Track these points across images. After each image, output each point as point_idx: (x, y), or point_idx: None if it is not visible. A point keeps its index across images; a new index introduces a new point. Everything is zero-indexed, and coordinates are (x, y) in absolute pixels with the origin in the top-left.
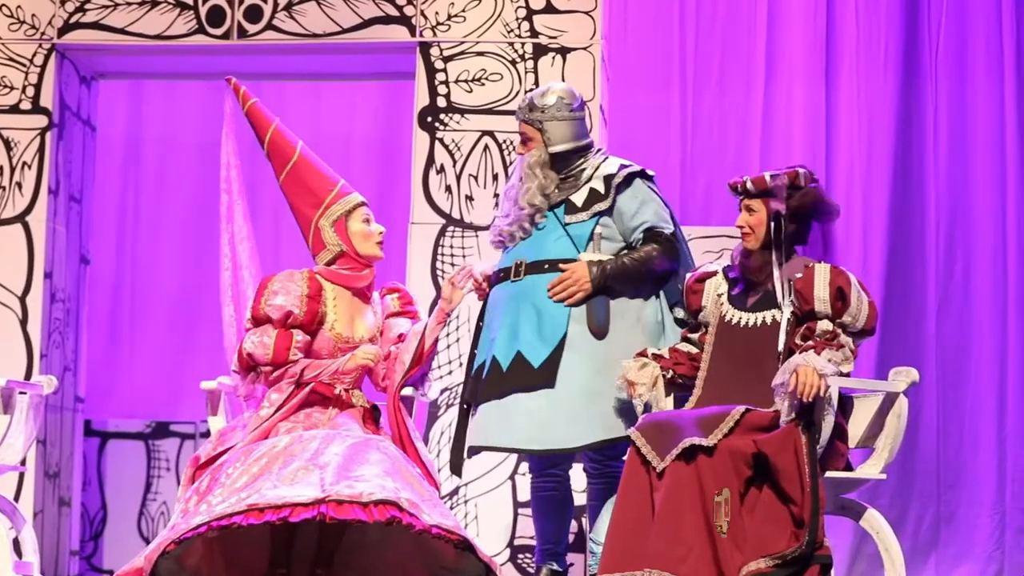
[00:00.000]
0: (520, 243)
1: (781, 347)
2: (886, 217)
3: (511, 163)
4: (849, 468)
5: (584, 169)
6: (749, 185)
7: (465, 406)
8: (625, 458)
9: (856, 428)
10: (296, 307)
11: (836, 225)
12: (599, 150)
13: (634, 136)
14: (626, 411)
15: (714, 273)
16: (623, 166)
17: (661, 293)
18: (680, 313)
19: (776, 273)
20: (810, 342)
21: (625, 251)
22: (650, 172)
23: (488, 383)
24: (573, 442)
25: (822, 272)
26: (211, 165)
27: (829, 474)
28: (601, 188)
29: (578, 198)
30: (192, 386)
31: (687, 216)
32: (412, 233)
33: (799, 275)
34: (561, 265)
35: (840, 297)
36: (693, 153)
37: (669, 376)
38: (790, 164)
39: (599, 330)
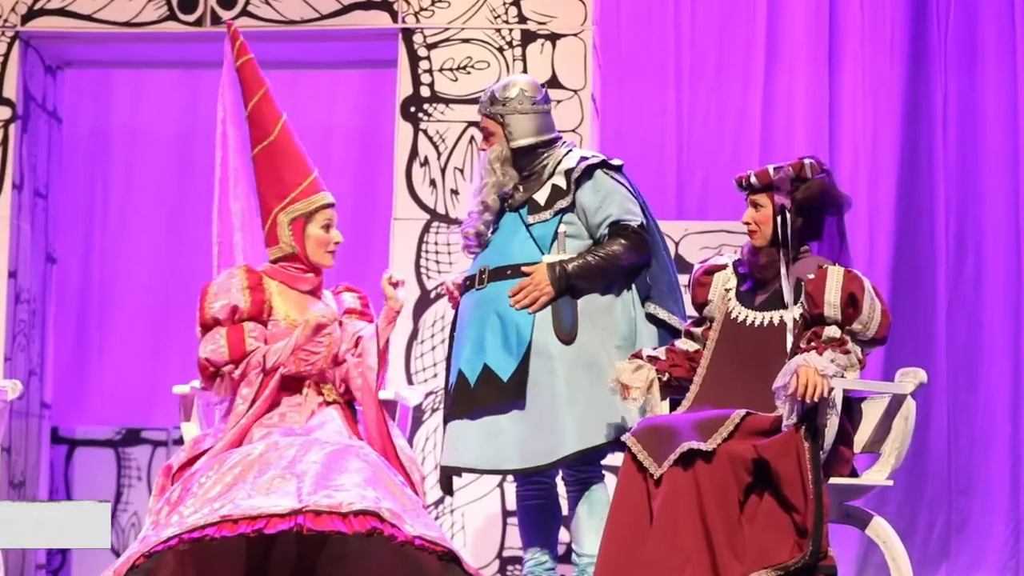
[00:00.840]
0: (486, 247)
1: (790, 349)
2: (893, 212)
3: None
4: (854, 474)
5: (546, 165)
6: (752, 179)
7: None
8: (604, 462)
9: (862, 432)
10: (240, 301)
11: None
12: (564, 143)
13: (628, 127)
14: (601, 416)
15: (724, 266)
16: (582, 158)
17: (632, 287)
18: (651, 308)
19: (783, 271)
20: (813, 344)
21: (591, 248)
22: (615, 161)
23: (456, 399)
24: (550, 457)
25: (835, 275)
26: (185, 158)
27: (833, 480)
28: (563, 184)
29: (540, 196)
30: (164, 391)
31: (684, 210)
32: (395, 229)
33: (811, 276)
34: (524, 268)
35: (852, 303)
36: (690, 145)
37: (665, 379)
38: (794, 156)
39: (566, 334)
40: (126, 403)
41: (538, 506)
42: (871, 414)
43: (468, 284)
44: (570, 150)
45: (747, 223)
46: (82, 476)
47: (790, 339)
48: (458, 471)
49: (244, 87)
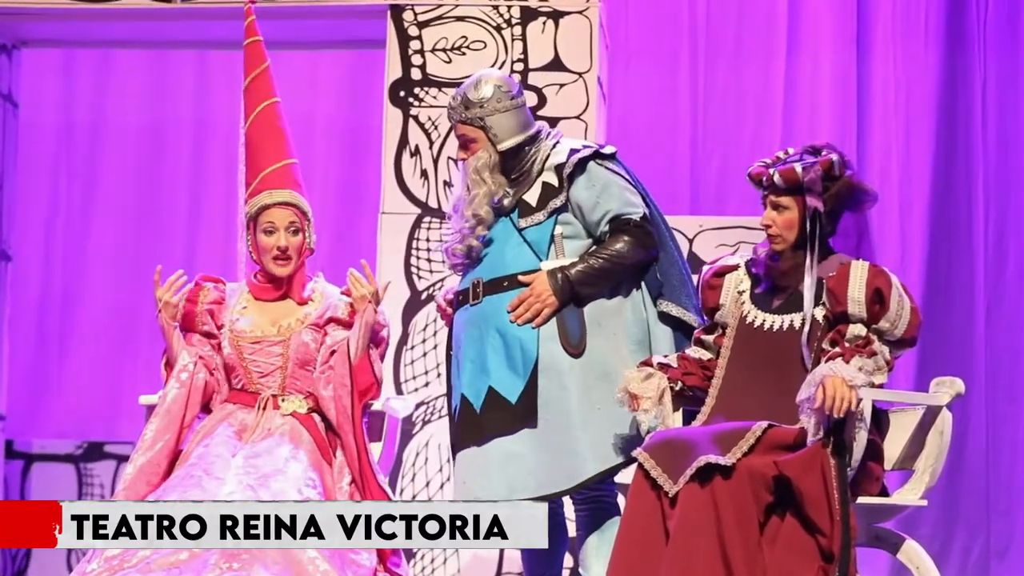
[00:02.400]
0: (480, 260)
1: (805, 345)
2: (927, 206)
3: None
4: (884, 493)
5: (534, 162)
6: (777, 179)
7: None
8: (619, 479)
9: (893, 447)
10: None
11: (871, 213)
12: (548, 134)
13: (637, 114)
14: (620, 432)
15: (735, 267)
16: (573, 151)
17: (642, 285)
18: (664, 306)
19: (808, 280)
20: (837, 348)
21: (592, 249)
22: (608, 150)
23: (463, 427)
24: (570, 481)
25: (859, 270)
26: (155, 147)
27: (862, 500)
28: (554, 181)
29: (531, 197)
30: (130, 401)
31: (698, 205)
32: (382, 224)
33: (832, 273)
34: (522, 278)
35: (878, 299)
36: (705, 133)
37: (677, 388)
38: (813, 144)
39: (575, 346)
40: (88, 414)
41: None
42: (903, 428)
43: (460, 300)
44: (556, 142)
45: (767, 226)
46: (40, 494)
47: (804, 340)
48: None
49: (245, 66)
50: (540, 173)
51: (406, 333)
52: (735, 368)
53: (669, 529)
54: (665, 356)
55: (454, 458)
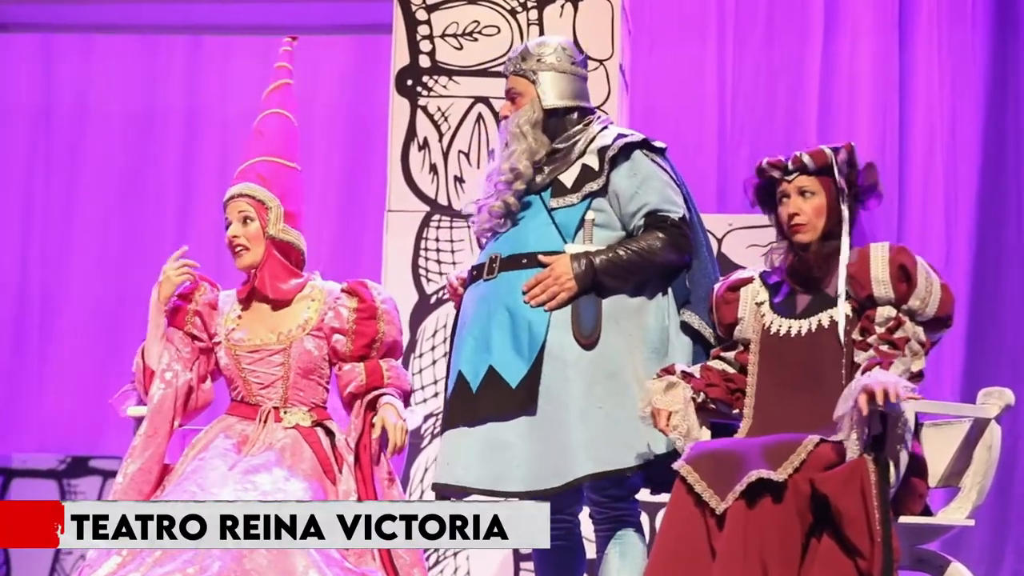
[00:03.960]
0: (500, 234)
1: (842, 336)
2: (974, 200)
3: None
4: (928, 512)
5: (577, 142)
6: (807, 159)
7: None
8: (641, 497)
9: (937, 463)
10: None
11: (875, 210)
12: (599, 119)
13: (661, 102)
14: (621, 437)
15: (749, 279)
16: (620, 135)
17: (669, 290)
18: (686, 315)
19: (843, 272)
20: (872, 353)
21: (622, 240)
22: (658, 144)
23: (455, 406)
24: (558, 479)
25: (879, 251)
26: (141, 138)
27: (903, 520)
28: (595, 164)
29: (567, 177)
30: (116, 413)
31: (727, 202)
32: (388, 223)
33: (852, 260)
34: (542, 258)
35: (903, 277)
36: (734, 122)
37: (700, 400)
38: (858, 139)
39: (587, 337)
40: (71, 427)
41: (557, 548)
42: (949, 442)
43: (475, 274)
44: (605, 126)
45: (795, 214)
46: None
47: (841, 333)
48: (451, 491)
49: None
50: (582, 155)
51: (414, 340)
52: (767, 383)
53: (715, 547)
54: (688, 365)
55: (442, 435)
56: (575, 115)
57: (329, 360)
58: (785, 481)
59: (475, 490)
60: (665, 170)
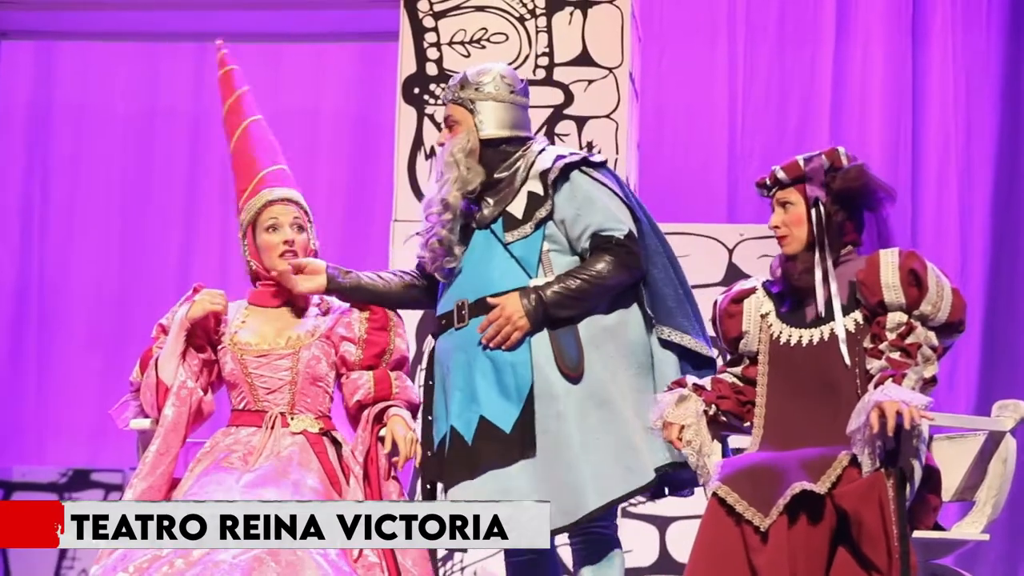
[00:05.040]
0: (459, 276)
1: (846, 358)
2: (989, 208)
3: None
4: (940, 526)
5: (518, 169)
6: (779, 174)
7: (428, 487)
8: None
9: (951, 476)
10: (168, 319)
11: (890, 212)
12: (538, 142)
13: (671, 110)
14: (618, 462)
15: (752, 290)
16: (559, 156)
17: (644, 300)
18: (662, 332)
19: (818, 274)
20: (884, 364)
21: (570, 269)
22: (596, 158)
23: (453, 461)
24: (569, 517)
25: (888, 256)
26: (141, 140)
27: (918, 534)
28: (539, 189)
29: (516, 208)
30: (116, 424)
31: (736, 211)
32: (395, 232)
33: (860, 267)
34: (490, 300)
35: (914, 282)
36: (744, 130)
37: (712, 412)
38: (869, 145)
39: (572, 368)
40: (72, 438)
41: (528, 562)
42: (963, 455)
43: (443, 323)
44: (543, 149)
45: (776, 227)
46: None
47: (845, 352)
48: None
49: (221, 96)
50: (525, 182)
51: (420, 352)
52: (778, 394)
53: (755, 563)
54: (698, 378)
55: (445, 496)
56: (513, 144)
57: (336, 370)
58: (825, 496)
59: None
60: (606, 185)
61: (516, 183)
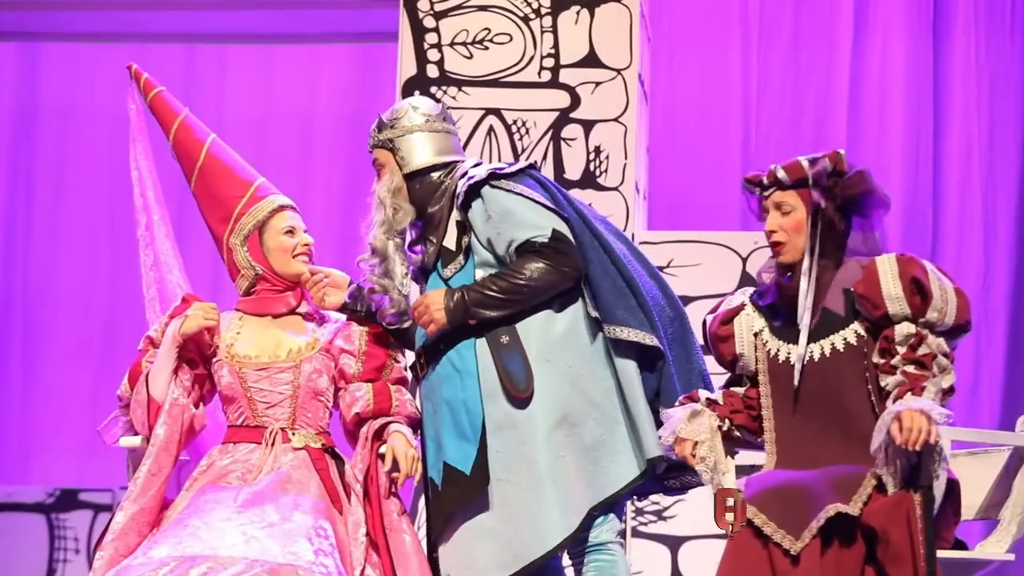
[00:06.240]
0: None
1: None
2: (1015, 213)
3: (524, 149)
4: (960, 545)
5: (443, 199)
6: (781, 174)
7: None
8: (638, 501)
9: (975, 494)
10: (156, 331)
11: (884, 221)
12: (465, 163)
13: (682, 113)
14: (585, 480)
15: (740, 307)
16: (468, 178)
17: (590, 300)
18: (613, 331)
19: (804, 286)
20: (901, 379)
21: (499, 271)
22: (504, 168)
23: (431, 512)
24: (541, 547)
25: (886, 264)
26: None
27: (941, 554)
28: (460, 216)
29: (450, 241)
30: (104, 441)
31: (750, 218)
32: None
33: (857, 278)
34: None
35: (917, 290)
36: (758, 134)
37: (725, 428)
38: (889, 150)
39: (521, 389)
40: (60, 457)
41: None
42: (987, 471)
43: (415, 373)
44: (465, 172)
45: (773, 232)
46: (5, 548)
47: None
48: None
49: (161, 122)
50: (451, 211)
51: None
52: (784, 414)
53: None
54: (710, 392)
55: (436, 551)
56: (440, 173)
57: (335, 384)
58: (856, 518)
59: None
60: (520, 194)
61: (444, 215)
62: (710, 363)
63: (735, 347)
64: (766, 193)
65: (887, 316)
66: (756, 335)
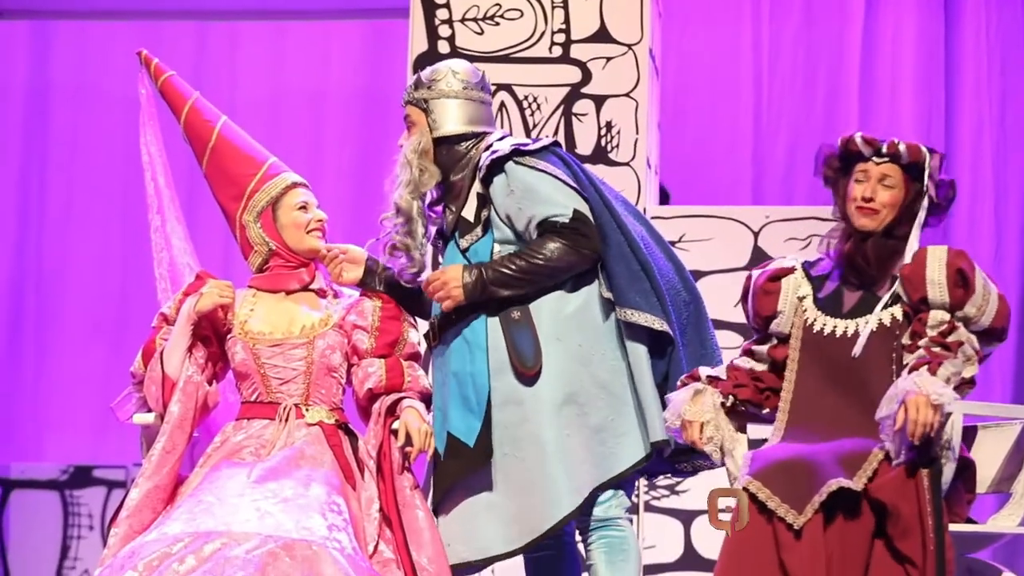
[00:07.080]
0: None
1: (858, 348)
2: None
3: (535, 126)
4: (973, 521)
5: (467, 170)
6: (903, 148)
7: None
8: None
9: (987, 467)
10: (170, 308)
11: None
12: (493, 135)
13: (694, 88)
14: (592, 460)
15: (791, 269)
16: (492, 152)
17: (604, 282)
18: (625, 314)
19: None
20: (921, 352)
21: (518, 249)
22: (528, 144)
23: (436, 482)
24: (545, 522)
25: (937, 252)
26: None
27: (953, 528)
28: (481, 189)
29: (469, 212)
30: (117, 418)
31: (763, 193)
32: None
33: (907, 262)
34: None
35: (961, 281)
36: (770, 109)
37: (730, 403)
38: (900, 123)
39: (529, 366)
40: (74, 434)
41: (548, 558)
42: (999, 445)
43: (428, 342)
44: (490, 145)
45: (869, 200)
46: (20, 525)
47: (860, 345)
48: (459, 571)
49: (171, 106)
50: (472, 183)
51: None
52: (808, 380)
53: (785, 561)
54: (713, 368)
55: (436, 518)
56: (468, 141)
57: (348, 360)
58: (861, 492)
59: (484, 561)
60: (544, 171)
61: (466, 186)
62: (727, 339)
63: (777, 303)
64: (878, 160)
65: (925, 300)
66: (800, 299)
